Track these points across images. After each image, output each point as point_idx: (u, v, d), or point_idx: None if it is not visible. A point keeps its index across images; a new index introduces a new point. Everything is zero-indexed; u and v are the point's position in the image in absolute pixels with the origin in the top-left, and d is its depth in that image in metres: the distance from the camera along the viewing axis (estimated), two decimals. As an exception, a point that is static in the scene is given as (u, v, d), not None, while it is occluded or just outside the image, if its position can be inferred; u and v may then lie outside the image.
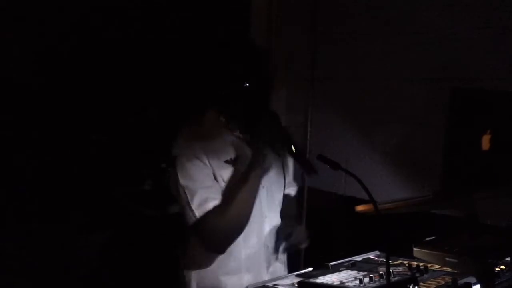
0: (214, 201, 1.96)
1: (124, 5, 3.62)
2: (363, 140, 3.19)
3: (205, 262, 2.06)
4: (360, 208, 1.87)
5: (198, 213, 1.94)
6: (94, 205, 3.51)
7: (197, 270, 2.07)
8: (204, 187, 1.97)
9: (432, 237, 2.00)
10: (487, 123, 1.81)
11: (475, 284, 1.72)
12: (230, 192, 1.97)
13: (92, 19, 3.48)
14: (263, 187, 2.06)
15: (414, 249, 1.85)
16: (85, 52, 3.47)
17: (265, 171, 1.99)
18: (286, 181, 2.19)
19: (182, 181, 1.98)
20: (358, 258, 2.08)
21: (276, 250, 2.14)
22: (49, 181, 3.37)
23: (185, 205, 1.97)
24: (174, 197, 2.05)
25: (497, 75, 2.64)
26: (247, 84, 1.99)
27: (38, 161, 3.33)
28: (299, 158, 1.98)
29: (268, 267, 2.12)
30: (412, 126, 2.98)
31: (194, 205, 1.95)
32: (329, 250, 2.31)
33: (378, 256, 2.10)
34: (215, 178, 2.00)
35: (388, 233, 1.60)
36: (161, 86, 3.80)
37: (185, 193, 1.97)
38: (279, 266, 2.17)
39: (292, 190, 2.30)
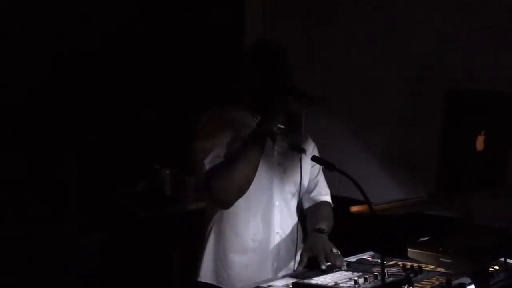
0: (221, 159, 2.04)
1: (122, 2, 3.62)
2: (358, 140, 3.20)
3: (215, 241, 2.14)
4: (355, 208, 1.87)
5: (209, 167, 2.02)
6: (91, 206, 3.50)
7: (208, 250, 2.14)
8: (220, 145, 2.05)
9: (426, 238, 2.01)
10: (481, 124, 1.81)
11: (469, 284, 1.73)
12: (233, 153, 2.04)
13: (89, 18, 3.48)
14: (272, 177, 2.12)
15: (409, 249, 1.85)
16: (81, 52, 3.46)
17: (266, 130, 2.03)
18: (320, 186, 2.28)
19: (201, 141, 2.07)
20: (352, 258, 2.09)
21: (289, 237, 2.18)
22: (47, 181, 3.36)
23: (199, 163, 2.04)
24: (191, 166, 2.12)
25: (491, 75, 2.66)
26: (260, 75, 2.09)
27: (35, 161, 3.32)
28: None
29: (278, 253, 2.15)
30: (407, 127, 2.99)
31: (207, 161, 2.02)
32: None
33: (372, 257, 2.11)
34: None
35: (383, 234, 1.60)
36: (158, 85, 3.79)
37: (202, 151, 2.04)
38: (290, 256, 2.19)
39: (327, 196, 2.35)
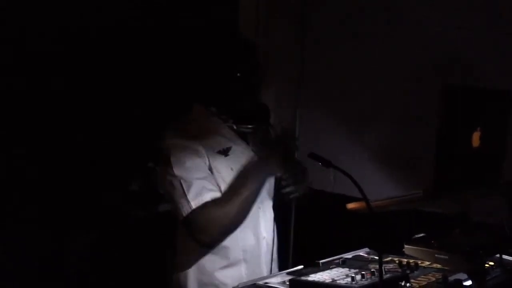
0: (210, 192, 1.94)
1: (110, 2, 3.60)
2: (353, 138, 3.20)
3: (201, 257, 2.04)
4: (351, 205, 1.87)
5: (194, 203, 1.91)
6: (82, 206, 3.48)
7: (194, 267, 2.06)
8: (200, 177, 1.95)
9: (422, 234, 2.01)
10: (477, 120, 1.82)
11: (465, 280, 1.74)
12: (232, 188, 1.96)
13: (79, 16, 3.46)
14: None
15: (405, 246, 1.85)
16: (68, 50, 3.44)
17: (268, 174, 1.98)
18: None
19: (177, 172, 1.94)
20: (348, 255, 2.09)
21: (271, 241, 2.15)
22: (37, 182, 3.34)
23: (180, 196, 1.93)
24: (164, 193, 2.02)
25: (488, 72, 2.67)
26: (238, 74, 2.00)
27: (25, 162, 3.30)
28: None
29: (266, 257, 2.13)
30: (403, 124, 3.00)
31: (190, 196, 1.91)
32: (319, 248, 2.31)
33: (368, 253, 2.11)
34: (210, 169, 1.99)
35: (380, 231, 1.60)
36: (145, 83, 3.78)
37: (180, 184, 1.93)
38: (275, 258, 2.19)
39: None
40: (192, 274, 2.06)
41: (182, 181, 1.93)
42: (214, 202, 1.93)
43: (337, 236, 2.47)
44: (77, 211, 3.47)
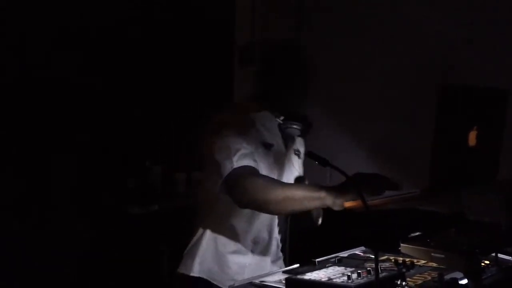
0: (254, 162, 1.96)
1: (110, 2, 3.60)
2: (351, 136, 3.20)
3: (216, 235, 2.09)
4: (348, 204, 1.87)
5: (237, 164, 1.93)
6: (80, 204, 3.48)
7: (203, 249, 2.10)
8: (248, 147, 1.98)
9: (418, 233, 2.01)
10: (473, 119, 1.82)
11: (461, 279, 1.73)
12: (296, 184, 2.00)
13: (77, 15, 3.46)
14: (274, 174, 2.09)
15: (401, 245, 1.86)
16: (67, 49, 3.44)
17: (334, 204, 1.88)
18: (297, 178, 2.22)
19: (227, 138, 1.97)
20: (344, 254, 2.09)
21: (281, 242, 2.19)
22: (34, 179, 3.34)
23: (224, 158, 1.94)
24: (204, 162, 2.04)
25: (484, 72, 2.68)
26: (290, 72, 2.06)
27: (24, 160, 3.30)
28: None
29: (276, 254, 2.16)
30: (399, 123, 3.00)
31: (235, 158, 1.93)
32: (315, 246, 2.31)
33: (364, 252, 2.11)
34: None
35: (376, 230, 1.61)
36: (148, 83, 3.78)
37: (229, 147, 1.95)
38: (281, 259, 2.21)
39: None
40: (202, 253, 2.11)
41: (231, 145, 1.96)
42: (267, 178, 1.96)
43: (333, 235, 2.46)
44: (75, 209, 3.47)
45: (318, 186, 1.88)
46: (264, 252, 2.14)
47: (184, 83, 3.92)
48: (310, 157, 1.97)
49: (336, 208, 1.86)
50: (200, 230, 2.15)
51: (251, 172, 1.95)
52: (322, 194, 1.84)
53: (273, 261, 2.18)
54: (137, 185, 3.68)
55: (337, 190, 1.83)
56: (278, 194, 1.88)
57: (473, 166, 1.86)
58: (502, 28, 2.75)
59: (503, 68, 2.72)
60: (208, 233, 2.13)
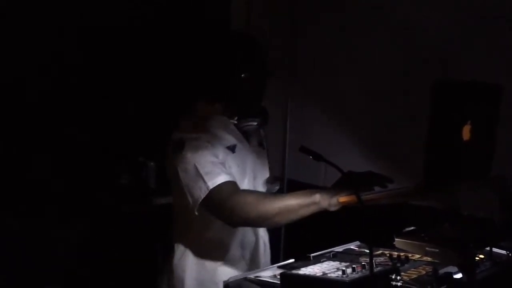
0: (225, 175, 1.92)
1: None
2: (344, 132, 3.21)
3: (200, 252, 2.05)
4: (342, 199, 1.88)
5: (211, 184, 1.90)
6: (72, 200, 3.47)
7: (194, 264, 2.06)
8: (215, 162, 1.94)
9: (412, 228, 2.02)
10: (467, 114, 1.83)
11: (455, 273, 1.74)
12: (282, 196, 1.95)
13: (74, 14, 3.46)
14: (246, 176, 2.07)
15: (396, 239, 1.86)
16: (63, 47, 3.44)
17: (330, 205, 1.89)
18: (270, 177, 2.20)
19: (191, 158, 1.93)
20: (339, 248, 2.10)
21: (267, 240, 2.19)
22: (26, 175, 3.33)
23: (195, 181, 1.91)
24: (174, 181, 2.00)
25: (477, 66, 2.68)
26: (244, 74, 2.01)
27: (14, 156, 3.29)
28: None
29: (264, 256, 2.16)
30: (393, 118, 3.01)
31: (206, 177, 1.90)
32: (309, 241, 2.31)
33: (358, 247, 2.12)
34: (222, 163, 1.99)
35: (370, 224, 1.61)
36: (137, 79, 3.77)
37: (195, 168, 1.91)
38: (269, 257, 2.21)
39: (277, 186, 2.30)
40: (190, 272, 2.06)
41: (196, 165, 1.91)
42: (252, 193, 1.94)
43: (328, 230, 2.47)
44: (67, 206, 3.46)
45: (310, 191, 1.87)
46: (254, 254, 2.12)
47: (187, 81, 3.92)
48: (303, 152, 1.97)
49: (332, 209, 1.86)
50: (181, 249, 2.08)
51: (233, 188, 1.91)
52: (317, 198, 1.83)
53: (265, 263, 2.16)
54: (129, 181, 3.66)
55: (331, 190, 1.83)
56: (271, 208, 1.86)
57: (467, 161, 1.86)
58: (494, 23, 2.76)
59: (496, 62, 2.73)
60: (191, 251, 2.07)
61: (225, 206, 1.89)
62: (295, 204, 1.86)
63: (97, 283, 3.45)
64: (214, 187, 1.90)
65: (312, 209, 1.86)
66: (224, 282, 1.80)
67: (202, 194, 1.91)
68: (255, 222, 1.93)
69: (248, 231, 2.10)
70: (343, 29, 3.27)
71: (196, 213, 1.96)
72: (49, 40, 3.38)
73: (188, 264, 2.07)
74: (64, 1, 3.43)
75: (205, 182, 1.90)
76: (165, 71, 3.85)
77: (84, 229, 3.48)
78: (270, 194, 2.04)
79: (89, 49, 3.55)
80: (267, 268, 1.95)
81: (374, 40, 3.13)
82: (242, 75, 2.02)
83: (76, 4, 3.45)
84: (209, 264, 2.06)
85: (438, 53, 2.86)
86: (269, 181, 2.14)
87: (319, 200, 1.83)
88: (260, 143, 2.18)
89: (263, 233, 2.15)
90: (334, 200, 1.83)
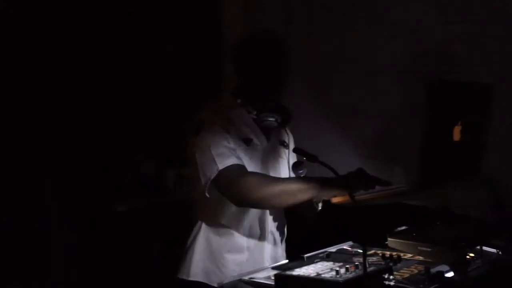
0: (236, 159, 1.99)
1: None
2: (338, 131, 3.21)
3: (210, 237, 2.10)
4: (336, 199, 1.89)
5: (221, 166, 1.96)
6: (68, 199, 3.47)
7: (199, 251, 2.11)
8: (228, 146, 2.01)
9: (404, 227, 2.04)
10: (458, 114, 1.84)
11: (447, 272, 1.76)
12: (284, 179, 2.03)
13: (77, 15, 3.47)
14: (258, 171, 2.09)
15: (389, 239, 1.88)
16: (63, 47, 3.44)
17: (318, 196, 1.95)
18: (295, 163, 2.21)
19: (208, 140, 2.00)
20: (332, 249, 2.11)
21: (280, 236, 2.20)
22: (23, 173, 3.33)
23: (208, 160, 1.98)
24: (190, 162, 2.05)
25: (469, 66, 2.69)
26: (260, 71, 2.06)
27: (13, 154, 3.29)
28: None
29: (272, 251, 2.17)
30: (386, 118, 3.02)
31: (218, 159, 1.96)
32: (303, 242, 2.33)
33: (351, 247, 2.13)
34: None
35: (363, 224, 1.62)
36: (137, 79, 3.77)
37: (209, 150, 1.98)
38: (281, 252, 2.23)
39: (300, 171, 2.31)
40: (199, 255, 2.12)
41: (212, 145, 1.99)
42: (258, 175, 2.00)
43: (321, 230, 2.48)
44: (63, 204, 3.46)
45: (308, 178, 1.93)
46: (260, 247, 2.14)
47: (174, 78, 3.92)
48: (297, 153, 1.99)
49: (316, 200, 1.90)
50: (194, 231, 2.16)
51: (240, 170, 1.98)
52: (311, 184, 1.88)
53: (273, 257, 2.17)
54: (127, 179, 3.66)
55: (324, 183, 1.87)
56: (273, 189, 1.93)
57: (458, 161, 1.88)
58: (486, 23, 2.77)
59: (488, 62, 2.74)
60: (202, 234, 2.13)
61: (232, 186, 1.97)
62: (294, 188, 1.92)
63: (93, 282, 3.46)
64: (223, 168, 1.96)
65: (308, 194, 1.91)
66: (218, 284, 1.81)
67: (212, 174, 1.98)
68: (257, 203, 1.99)
69: (255, 223, 2.13)
70: (338, 27, 3.28)
71: (207, 195, 2.01)
72: (49, 40, 3.38)
73: (197, 248, 2.13)
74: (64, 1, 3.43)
75: (216, 163, 1.97)
76: (165, 71, 3.87)
77: (82, 228, 3.48)
78: (273, 177, 2.08)
79: (90, 48, 3.55)
80: (262, 269, 1.96)
81: (369, 40, 3.13)
82: (258, 72, 2.07)
83: (76, 4, 3.46)
84: (215, 250, 2.11)
85: (432, 53, 2.87)
86: (293, 167, 2.16)
87: (313, 186, 1.88)
88: (282, 142, 2.21)
89: (273, 229, 2.18)
90: (322, 194, 1.90)
